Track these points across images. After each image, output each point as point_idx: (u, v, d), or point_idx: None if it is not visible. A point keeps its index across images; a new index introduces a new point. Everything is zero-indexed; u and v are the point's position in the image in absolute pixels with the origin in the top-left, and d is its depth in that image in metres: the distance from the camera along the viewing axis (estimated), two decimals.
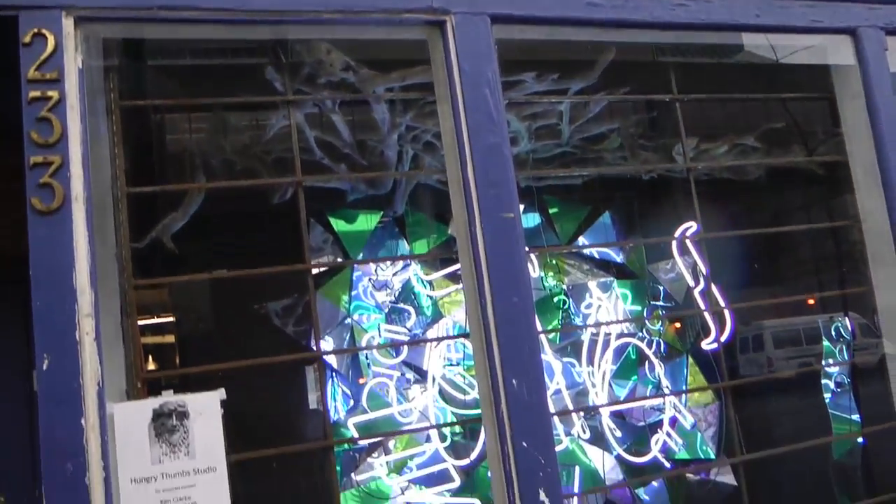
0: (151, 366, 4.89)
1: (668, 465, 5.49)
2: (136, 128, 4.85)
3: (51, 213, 2.70)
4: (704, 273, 5.15)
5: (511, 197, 3.23)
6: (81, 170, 2.78)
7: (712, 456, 5.60)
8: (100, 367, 2.73)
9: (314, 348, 3.94)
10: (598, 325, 5.51)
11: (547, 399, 3.20)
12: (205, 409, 2.88)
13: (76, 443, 2.68)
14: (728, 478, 5.49)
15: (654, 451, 5.46)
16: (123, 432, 2.80)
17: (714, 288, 5.19)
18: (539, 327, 3.95)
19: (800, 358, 8.85)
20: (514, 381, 3.10)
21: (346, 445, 4.88)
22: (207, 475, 2.87)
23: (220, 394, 2.90)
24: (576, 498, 5.26)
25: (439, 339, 5.13)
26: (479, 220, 3.17)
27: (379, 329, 5.12)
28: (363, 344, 5.04)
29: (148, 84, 4.33)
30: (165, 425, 2.83)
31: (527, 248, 3.31)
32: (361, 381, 5.05)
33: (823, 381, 6.10)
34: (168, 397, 2.85)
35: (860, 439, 5.81)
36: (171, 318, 5.27)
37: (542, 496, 3.12)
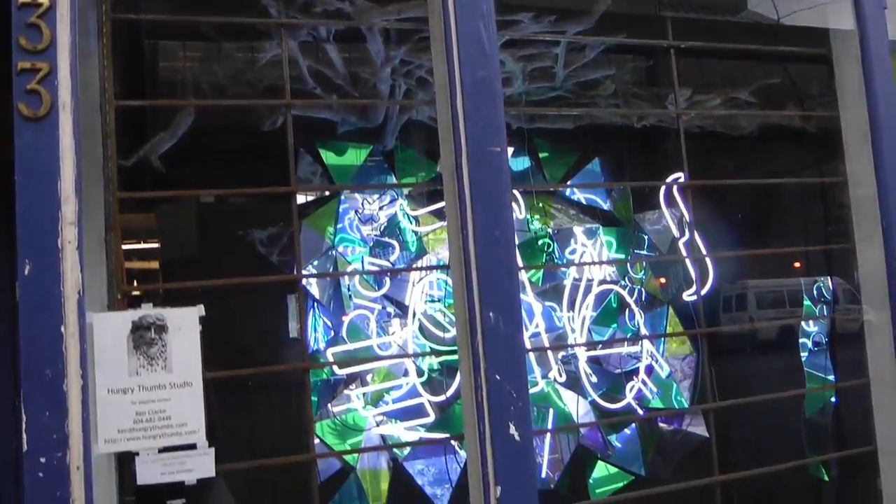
0: (135, 292, 4.90)
1: (641, 412, 5.56)
2: (129, 53, 4.82)
3: (37, 119, 2.71)
4: (688, 220, 5.17)
5: (499, 131, 3.23)
6: (69, 79, 2.77)
7: (686, 406, 5.67)
8: (81, 276, 2.75)
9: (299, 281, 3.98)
10: (578, 264, 5.54)
11: (523, 334, 3.23)
12: (183, 325, 2.91)
13: (55, 349, 2.71)
14: (700, 429, 5.57)
15: (629, 398, 5.52)
16: (102, 342, 2.83)
17: (698, 238, 5.21)
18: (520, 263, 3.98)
19: (782, 319, 8.94)
20: (490, 314, 3.14)
21: (323, 376, 4.93)
22: (183, 390, 2.91)
23: (199, 310, 2.93)
24: (548, 436, 5.33)
25: (419, 269, 5.15)
26: (465, 152, 3.18)
27: (363, 262, 5.14)
28: (346, 277, 5.06)
29: (142, 8, 4.28)
30: (144, 338, 2.86)
31: (512, 188, 3.32)
32: (345, 318, 5.09)
33: (801, 341, 6.17)
34: (147, 310, 2.88)
35: (833, 399, 5.89)
36: (155, 245, 5.27)
37: (513, 429, 3.17)
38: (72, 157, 2.74)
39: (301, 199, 5.15)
